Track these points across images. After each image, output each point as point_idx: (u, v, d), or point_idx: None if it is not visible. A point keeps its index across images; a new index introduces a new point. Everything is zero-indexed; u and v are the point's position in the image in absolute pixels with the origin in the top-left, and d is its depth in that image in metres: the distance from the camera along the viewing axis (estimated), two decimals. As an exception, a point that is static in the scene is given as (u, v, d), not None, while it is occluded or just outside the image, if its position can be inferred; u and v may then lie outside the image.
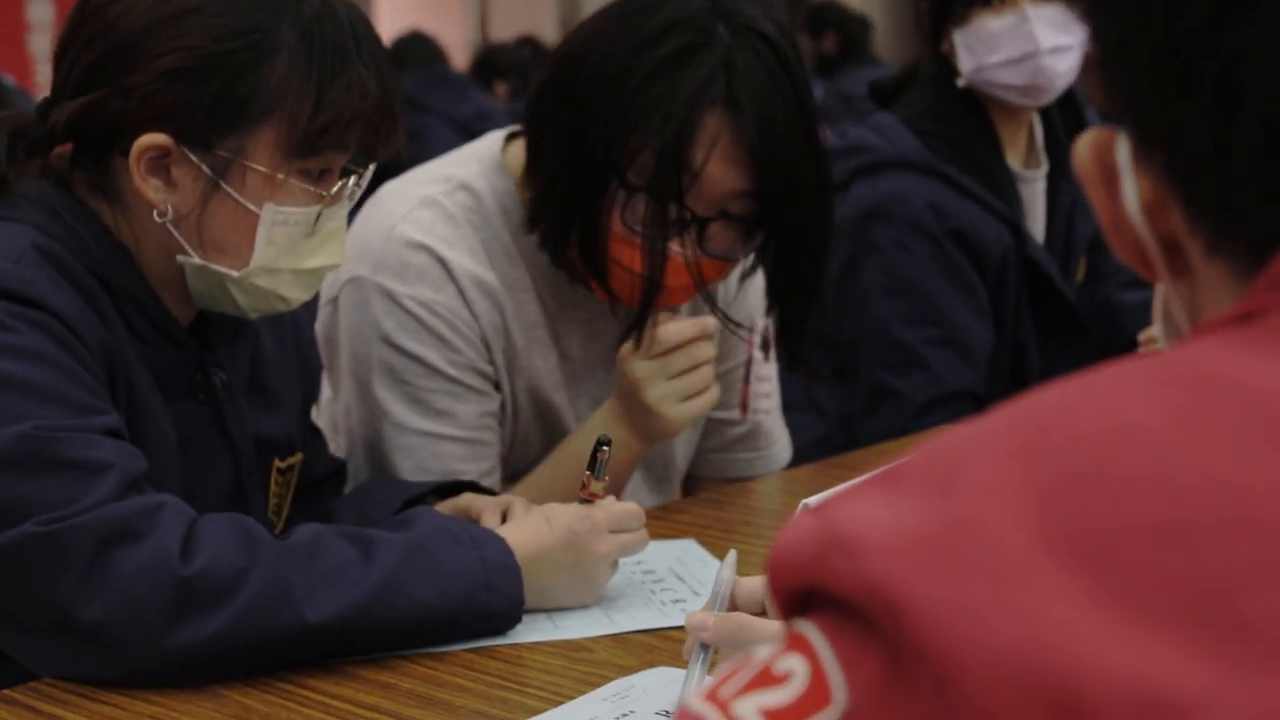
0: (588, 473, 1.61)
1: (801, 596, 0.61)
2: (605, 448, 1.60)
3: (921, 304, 2.45)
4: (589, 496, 1.60)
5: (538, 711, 1.34)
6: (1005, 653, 0.54)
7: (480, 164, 1.95)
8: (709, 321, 1.88)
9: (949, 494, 0.59)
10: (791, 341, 1.95)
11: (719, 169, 1.76)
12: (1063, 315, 2.54)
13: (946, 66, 2.49)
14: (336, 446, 1.95)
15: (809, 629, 0.60)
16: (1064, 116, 2.60)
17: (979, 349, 2.47)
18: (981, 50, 2.42)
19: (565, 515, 1.57)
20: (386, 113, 1.56)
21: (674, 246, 1.79)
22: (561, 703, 1.36)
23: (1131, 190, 0.69)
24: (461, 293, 1.89)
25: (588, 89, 1.79)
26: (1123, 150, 0.69)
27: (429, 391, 1.89)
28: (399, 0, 10.94)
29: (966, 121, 2.50)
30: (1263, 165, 0.63)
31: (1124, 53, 0.68)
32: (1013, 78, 2.42)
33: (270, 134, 1.51)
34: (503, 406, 1.95)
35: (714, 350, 1.87)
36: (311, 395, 1.87)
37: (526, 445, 1.98)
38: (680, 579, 1.69)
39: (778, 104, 1.75)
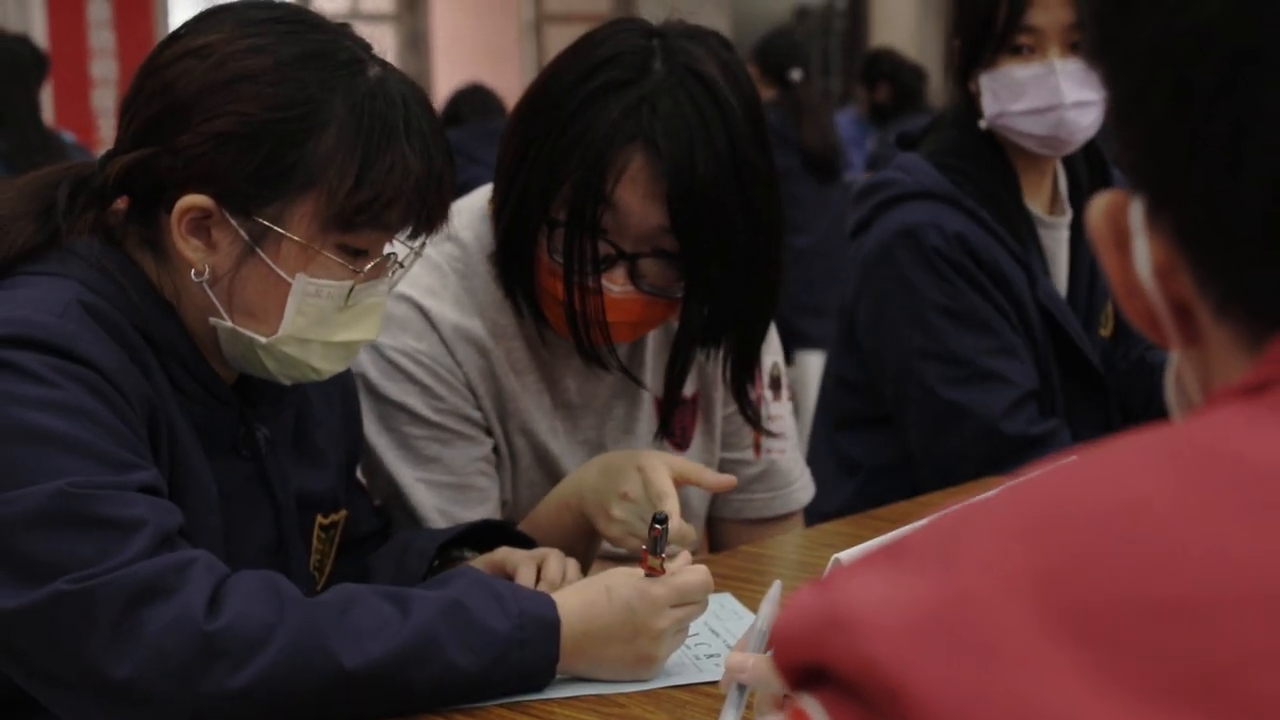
0: (643, 549, 1.58)
1: (805, 672, 0.62)
2: (659, 525, 1.56)
3: (969, 317, 2.43)
4: (649, 571, 1.56)
5: (568, 767, 1.34)
6: None
7: (469, 214, 1.99)
8: (730, 480, 1.88)
9: (950, 570, 0.59)
10: (736, 384, 1.97)
11: (639, 205, 1.79)
12: (1079, 361, 2.53)
13: (973, 107, 2.49)
14: None
15: (811, 705, 0.61)
16: (1090, 169, 2.61)
17: (1026, 356, 2.45)
18: (1005, 96, 2.42)
19: (625, 589, 1.54)
20: (429, 194, 1.56)
21: (609, 283, 1.83)
22: (591, 759, 1.36)
23: (1143, 253, 0.69)
24: (444, 340, 1.93)
25: (527, 123, 1.86)
26: (1136, 212, 0.69)
27: (416, 438, 1.92)
28: (456, 53, 11.02)
29: (987, 162, 2.51)
30: (1270, 229, 0.63)
31: (1136, 109, 0.67)
32: (1034, 127, 2.43)
33: (309, 206, 1.52)
34: (497, 451, 1.98)
35: (690, 540, 1.81)
36: (356, 452, 1.88)
37: (531, 489, 2.00)
38: (715, 633, 1.69)
39: (700, 144, 1.77)
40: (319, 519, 1.76)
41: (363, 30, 1.63)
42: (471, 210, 2.00)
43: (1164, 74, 0.65)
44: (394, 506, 1.94)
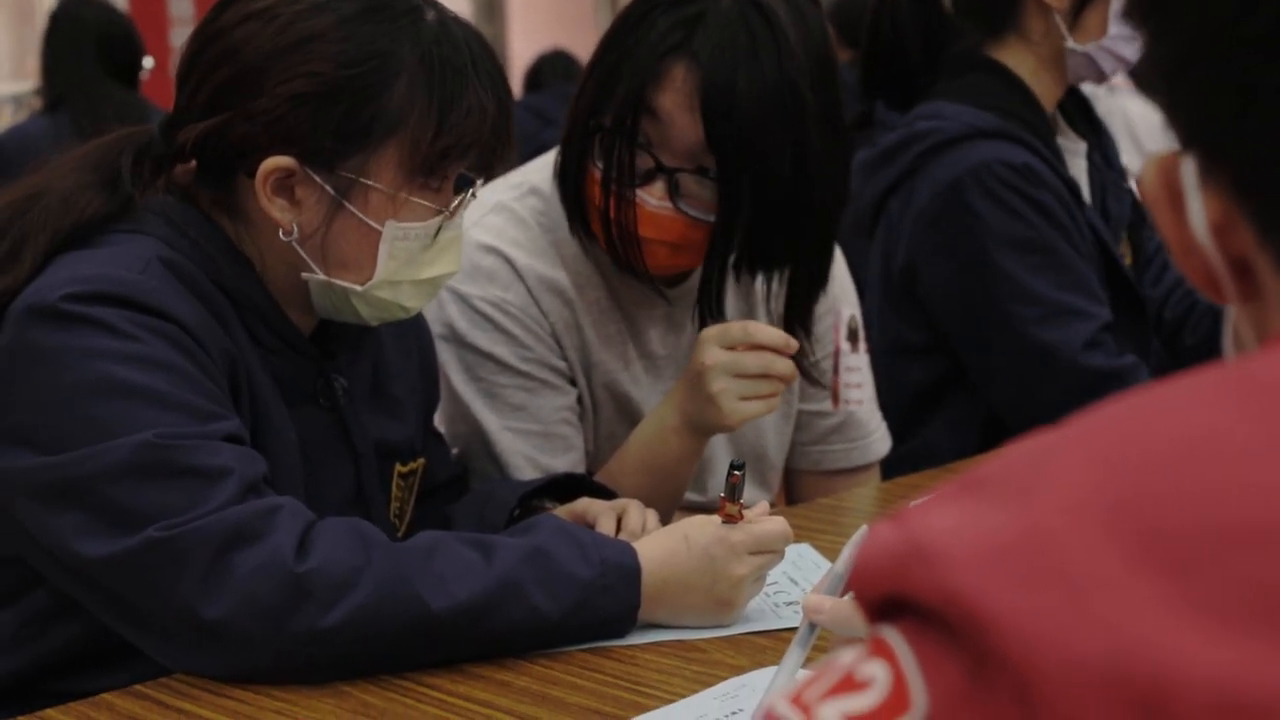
0: (722, 497, 1.58)
1: (885, 604, 0.62)
2: (737, 472, 1.57)
3: (1045, 252, 2.37)
4: (727, 518, 1.57)
5: (649, 709, 1.36)
6: (1087, 661, 0.55)
7: (551, 168, 2.01)
8: (792, 342, 1.87)
9: (1027, 502, 0.59)
10: (786, 323, 1.97)
11: (679, 116, 1.81)
12: (1121, 283, 2.50)
13: (997, 41, 2.47)
14: None
15: (892, 635, 0.61)
16: (1074, 102, 2.61)
17: (1098, 286, 2.41)
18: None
19: (704, 537, 1.55)
20: (503, 133, 1.59)
21: (645, 195, 1.84)
22: (673, 701, 1.38)
23: (1198, 211, 0.69)
24: (530, 291, 1.96)
25: (595, 55, 1.89)
26: (1188, 171, 0.69)
27: (503, 387, 1.95)
28: (531, 20, 11.04)
29: (1017, 95, 2.47)
30: None
31: (1187, 65, 0.68)
32: (1130, 54, 2.41)
33: (393, 155, 1.54)
34: (580, 401, 2.00)
35: (792, 371, 1.85)
36: (433, 401, 1.91)
37: (611, 440, 2.02)
38: (794, 581, 1.70)
39: (745, 65, 1.78)
40: (398, 467, 1.79)
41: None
42: (554, 164, 2.01)
43: (1214, 28, 0.65)
44: (481, 454, 1.97)
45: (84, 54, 4.58)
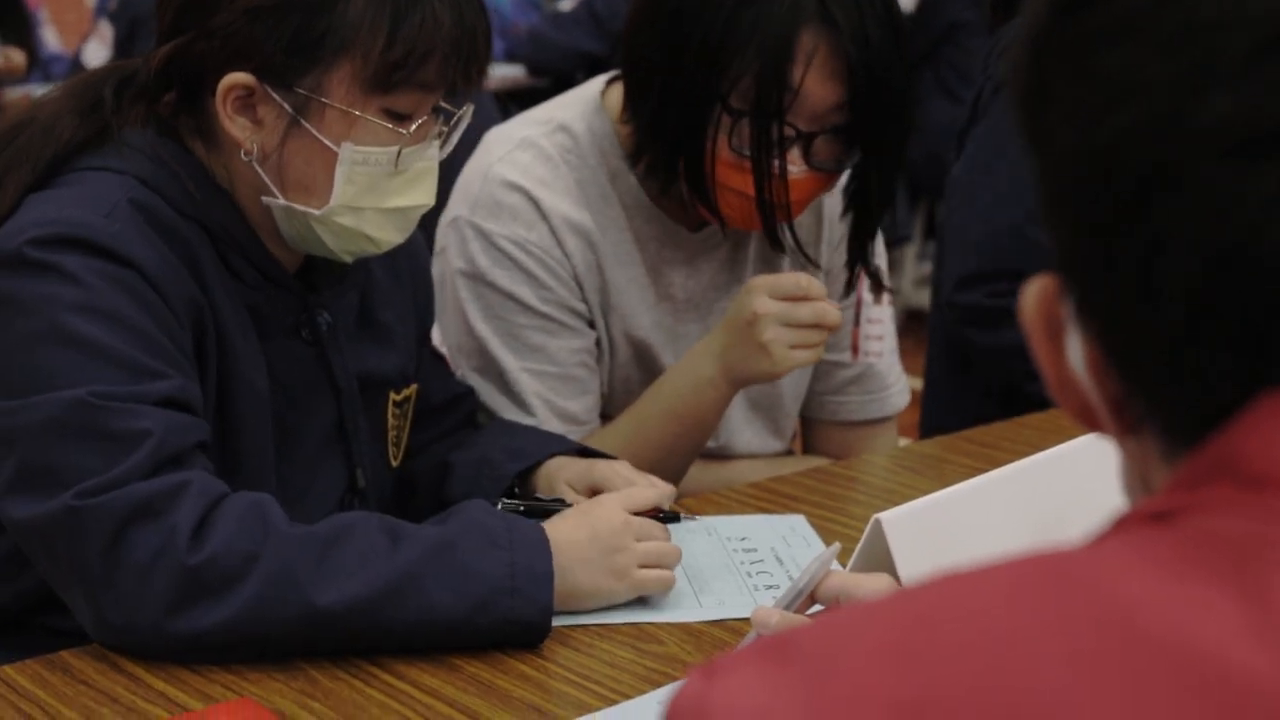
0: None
1: None
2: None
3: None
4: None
5: (593, 709, 1.34)
6: None
7: (581, 106, 1.97)
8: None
9: (818, 683, 0.59)
10: (860, 248, 1.98)
11: (818, 85, 1.78)
12: None
13: None
14: None
15: None
16: None
17: None
18: None
19: (581, 506, 1.58)
20: (464, 48, 1.53)
21: (789, 165, 1.82)
22: (619, 701, 1.35)
23: (1077, 346, 0.65)
24: (554, 231, 1.92)
25: (683, 16, 1.81)
26: (1069, 304, 0.65)
27: (522, 327, 1.93)
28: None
29: None
30: (1178, 353, 0.60)
31: (1059, 215, 0.64)
32: None
33: (346, 70, 1.51)
34: (598, 344, 1.97)
35: (839, 318, 1.85)
36: (427, 323, 1.87)
37: (626, 384, 2.00)
38: (779, 561, 1.65)
39: (870, 19, 1.77)
40: (392, 395, 1.77)
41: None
42: (584, 101, 1.97)
43: (1079, 188, 0.62)
44: (496, 392, 1.94)
45: None
